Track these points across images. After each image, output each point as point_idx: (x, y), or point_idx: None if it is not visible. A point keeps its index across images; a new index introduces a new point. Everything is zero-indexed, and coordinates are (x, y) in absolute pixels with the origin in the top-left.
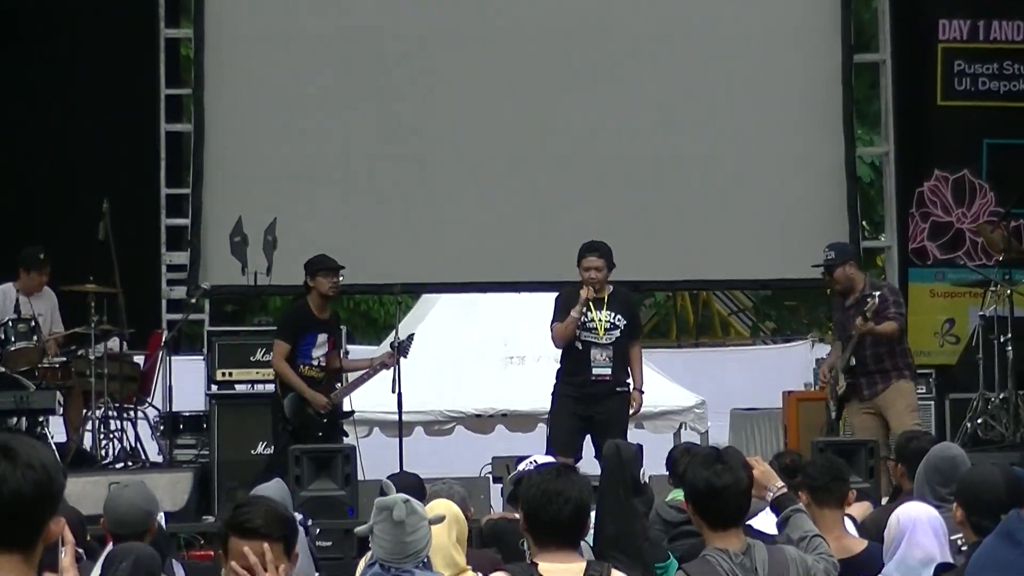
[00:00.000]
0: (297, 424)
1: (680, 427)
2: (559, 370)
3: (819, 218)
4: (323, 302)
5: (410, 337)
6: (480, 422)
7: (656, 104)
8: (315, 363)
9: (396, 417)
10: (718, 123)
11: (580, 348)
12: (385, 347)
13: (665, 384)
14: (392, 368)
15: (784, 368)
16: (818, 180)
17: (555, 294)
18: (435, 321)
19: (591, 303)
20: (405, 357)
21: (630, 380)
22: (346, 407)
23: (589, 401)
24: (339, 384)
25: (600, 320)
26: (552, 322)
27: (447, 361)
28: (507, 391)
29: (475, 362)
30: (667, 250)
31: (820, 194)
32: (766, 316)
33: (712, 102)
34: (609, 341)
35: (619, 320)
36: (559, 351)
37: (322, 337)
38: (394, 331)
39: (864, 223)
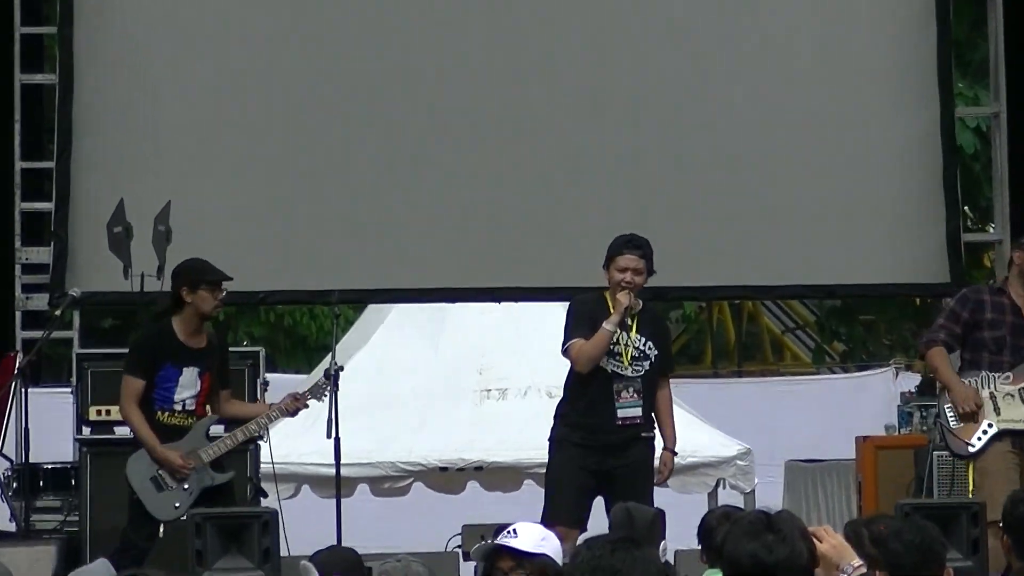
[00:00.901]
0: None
1: (717, 485)
2: (562, 408)
3: (904, 202)
4: (199, 323)
5: (336, 368)
6: (446, 478)
7: (679, 59)
8: (179, 407)
9: (332, 471)
10: (763, 74)
11: (600, 380)
12: (319, 375)
13: (697, 427)
14: (326, 401)
15: (858, 405)
16: (903, 151)
17: (547, 305)
18: (385, 341)
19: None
20: (320, 399)
21: (655, 429)
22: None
23: (606, 452)
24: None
25: (628, 345)
26: (570, 337)
27: (401, 395)
28: (483, 436)
29: (439, 397)
30: (698, 246)
31: (906, 170)
32: (834, 335)
33: (757, 46)
34: (637, 374)
35: (650, 348)
36: (555, 382)
37: (190, 372)
38: (330, 354)
39: (966, 209)
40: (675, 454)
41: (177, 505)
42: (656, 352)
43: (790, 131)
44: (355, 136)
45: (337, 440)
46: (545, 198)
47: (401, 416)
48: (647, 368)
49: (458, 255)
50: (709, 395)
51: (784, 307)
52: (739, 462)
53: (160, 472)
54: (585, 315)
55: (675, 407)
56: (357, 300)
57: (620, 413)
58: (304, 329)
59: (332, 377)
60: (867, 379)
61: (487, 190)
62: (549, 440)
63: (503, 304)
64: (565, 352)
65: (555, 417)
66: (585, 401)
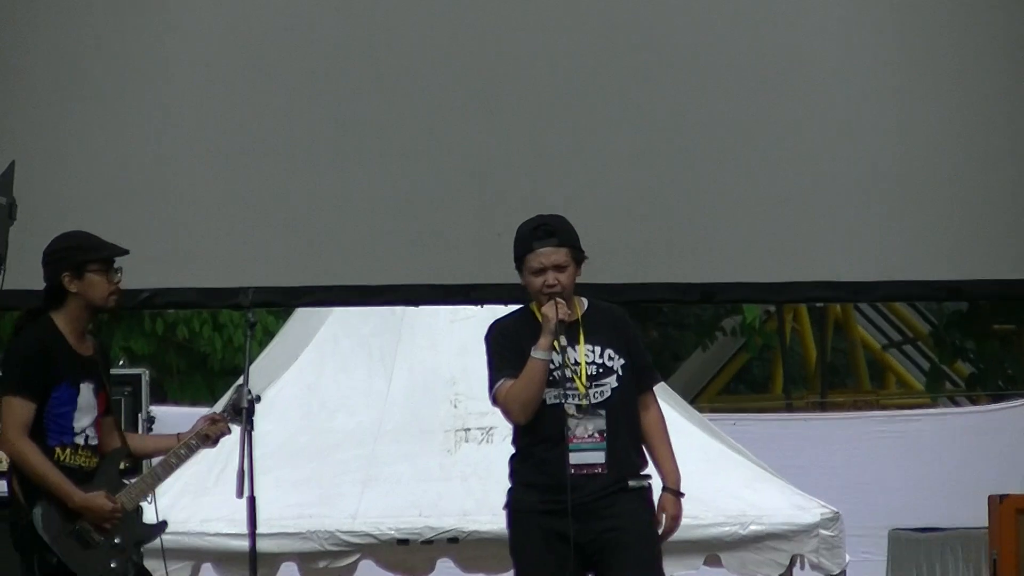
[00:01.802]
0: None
1: (793, 564)
2: (514, 463)
3: None
4: (87, 321)
5: (250, 400)
6: (406, 554)
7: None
8: (80, 441)
9: (245, 543)
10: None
11: (552, 419)
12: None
13: (764, 482)
14: (242, 435)
15: (991, 450)
16: None
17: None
18: (318, 361)
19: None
20: (214, 445)
21: (647, 470)
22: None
23: (583, 516)
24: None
25: (578, 364)
26: (494, 380)
27: (342, 438)
28: (458, 494)
29: (395, 440)
30: (762, 229)
31: None
32: (957, 352)
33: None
34: (602, 398)
35: (611, 358)
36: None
37: (87, 391)
38: (241, 380)
39: None
40: (680, 495)
41: (114, 566)
42: (623, 360)
43: (880, 81)
44: (279, 91)
45: (252, 501)
46: (542, 172)
47: (342, 467)
48: (616, 386)
49: (419, 241)
50: (780, 437)
51: (887, 313)
52: (823, 531)
53: (81, 524)
54: (506, 345)
55: (732, 454)
56: (280, 303)
57: (573, 459)
58: (204, 345)
59: (245, 412)
60: (1004, 414)
61: (455, 160)
62: (504, 509)
63: (483, 308)
64: (493, 400)
65: (509, 476)
66: (539, 451)
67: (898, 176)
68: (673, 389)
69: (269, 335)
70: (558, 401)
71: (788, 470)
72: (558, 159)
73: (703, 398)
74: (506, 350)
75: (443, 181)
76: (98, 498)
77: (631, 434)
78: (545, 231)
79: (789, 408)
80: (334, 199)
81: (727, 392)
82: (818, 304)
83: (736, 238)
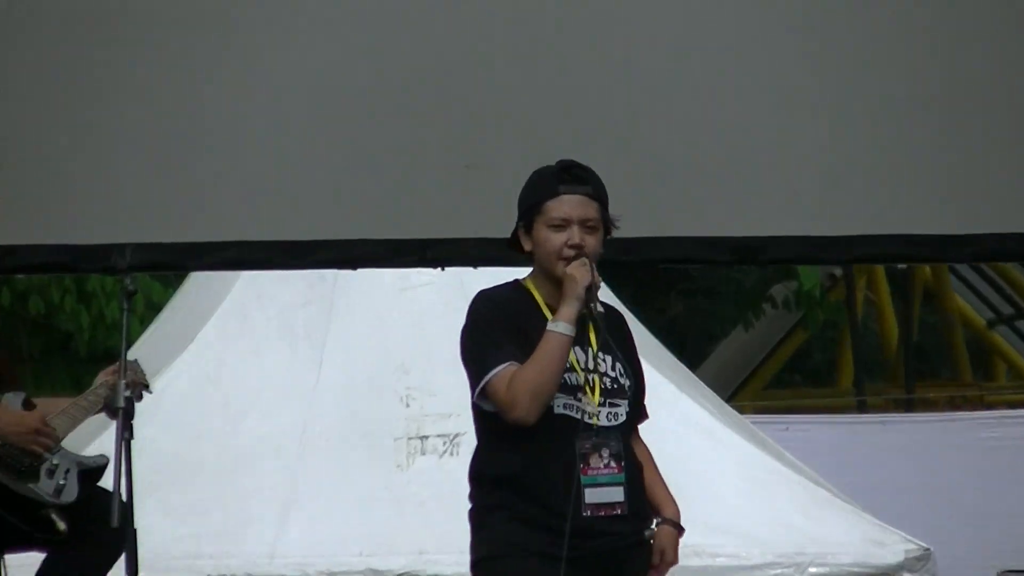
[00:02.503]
0: None
1: None
2: (495, 493)
3: None
4: None
5: (129, 396)
6: None
7: None
8: None
9: None
10: None
11: (551, 432)
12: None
13: (832, 509)
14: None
15: None
16: None
17: (520, 272)
18: (219, 345)
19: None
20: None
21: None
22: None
23: (588, 567)
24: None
25: (594, 372)
26: (488, 366)
27: (255, 449)
28: (412, 526)
29: (328, 451)
30: (814, 167)
31: None
32: None
33: None
34: (615, 421)
35: (622, 375)
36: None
37: None
38: (117, 367)
39: None
40: (680, 529)
41: (63, 483)
42: (630, 382)
43: None
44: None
45: (131, 535)
46: (522, 84)
47: (253, 487)
48: (628, 411)
49: (356, 181)
50: (849, 446)
51: (994, 278)
52: (909, 575)
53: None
54: (506, 323)
55: (784, 470)
56: (168, 264)
57: (589, 497)
58: (66, 321)
59: (121, 413)
60: None
61: (408, 58)
62: (481, 562)
63: (443, 273)
64: (483, 393)
65: (485, 510)
66: (540, 475)
67: (1007, 94)
68: (703, 380)
69: (154, 308)
70: (566, 411)
71: (861, 491)
72: (545, 68)
73: (745, 394)
74: (506, 329)
75: (385, 94)
76: (28, 416)
77: (639, 471)
78: (577, 175)
79: (862, 407)
80: (238, 127)
81: (778, 385)
82: (899, 265)
83: (787, 178)
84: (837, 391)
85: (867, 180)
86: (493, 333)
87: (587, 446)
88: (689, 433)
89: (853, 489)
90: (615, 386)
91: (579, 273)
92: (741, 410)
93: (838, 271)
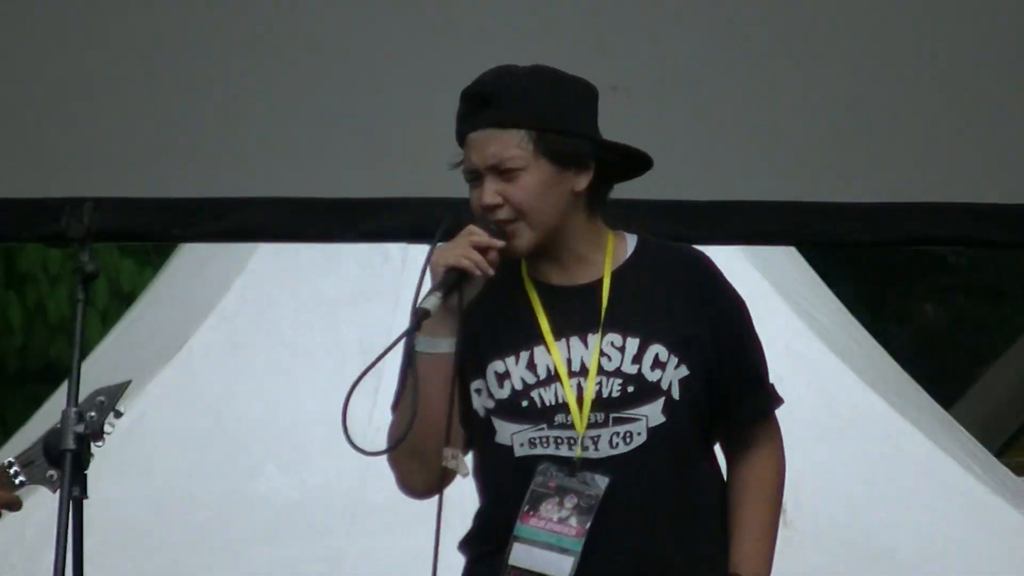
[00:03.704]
0: None
1: None
2: (474, 537)
3: None
4: None
5: (73, 432)
6: None
7: None
8: None
9: None
10: None
11: (525, 479)
12: (37, 447)
13: None
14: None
15: None
16: None
17: None
18: (224, 351)
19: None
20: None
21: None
22: None
23: None
24: None
25: (582, 372)
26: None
27: (282, 511)
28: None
29: (391, 518)
30: None
31: None
32: None
33: None
34: (617, 449)
35: (656, 364)
36: None
37: None
38: (68, 383)
39: None
40: None
41: None
42: (676, 370)
43: None
44: None
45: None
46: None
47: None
48: (664, 423)
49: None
50: None
51: None
52: None
53: None
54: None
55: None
56: (143, 234)
57: (515, 557)
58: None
59: (69, 458)
60: None
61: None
62: None
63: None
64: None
65: (462, 545)
66: (494, 518)
67: None
68: (964, 424)
69: (123, 299)
70: (537, 452)
71: None
72: None
73: None
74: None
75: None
76: None
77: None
78: (475, 99)
79: None
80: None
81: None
82: None
83: None
84: None
85: None
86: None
87: (549, 484)
88: (941, 504)
89: None
90: (631, 388)
91: (441, 256)
92: (1020, 470)
93: None
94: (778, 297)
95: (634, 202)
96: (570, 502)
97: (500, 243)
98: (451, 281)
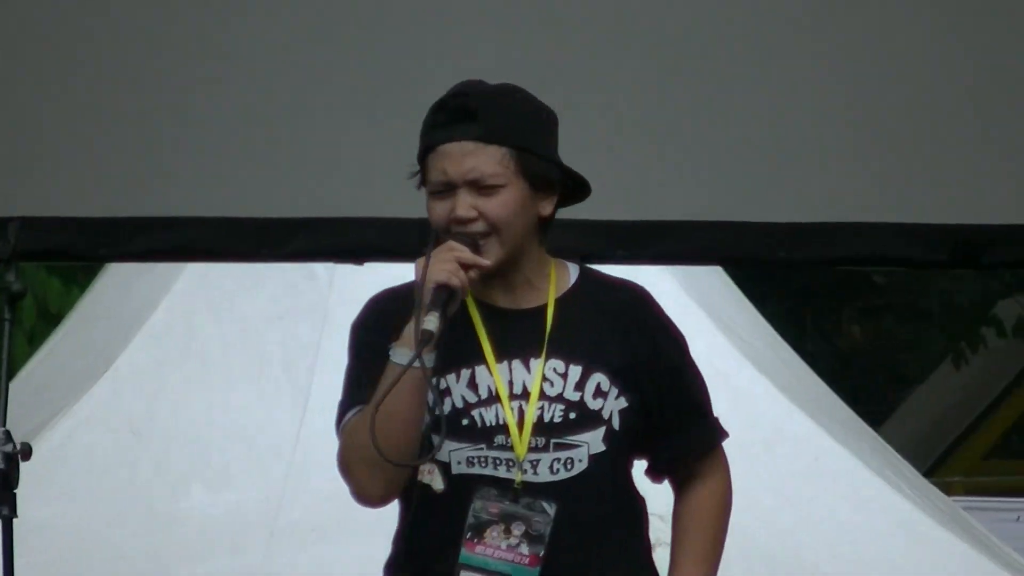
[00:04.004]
0: None
1: None
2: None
3: None
4: None
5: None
6: None
7: None
8: None
9: None
10: None
11: (460, 497)
12: None
13: None
14: None
15: None
16: None
17: None
18: (150, 371)
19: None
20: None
21: None
22: None
23: None
24: None
25: (524, 395)
26: (343, 412)
27: (209, 527)
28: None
29: (318, 536)
30: None
31: None
32: None
33: None
34: (557, 475)
35: (597, 392)
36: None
37: None
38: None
39: None
40: None
41: None
42: (616, 400)
43: None
44: None
45: None
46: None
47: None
48: (604, 451)
49: (362, 142)
50: None
51: None
52: None
53: None
54: (374, 341)
55: None
56: (71, 252)
57: None
58: None
59: None
60: None
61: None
62: None
63: None
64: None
65: (392, 568)
66: (424, 539)
67: None
68: (892, 444)
69: (50, 320)
70: (473, 472)
71: None
72: None
73: (955, 465)
74: (380, 351)
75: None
76: None
77: (632, 546)
78: (457, 110)
79: None
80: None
81: (1004, 454)
82: None
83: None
84: None
85: None
86: (360, 357)
87: (492, 511)
88: (871, 523)
89: None
90: (573, 415)
91: (431, 273)
92: (948, 490)
93: None
94: (703, 315)
95: (556, 222)
96: (518, 529)
97: (486, 262)
98: (443, 299)
